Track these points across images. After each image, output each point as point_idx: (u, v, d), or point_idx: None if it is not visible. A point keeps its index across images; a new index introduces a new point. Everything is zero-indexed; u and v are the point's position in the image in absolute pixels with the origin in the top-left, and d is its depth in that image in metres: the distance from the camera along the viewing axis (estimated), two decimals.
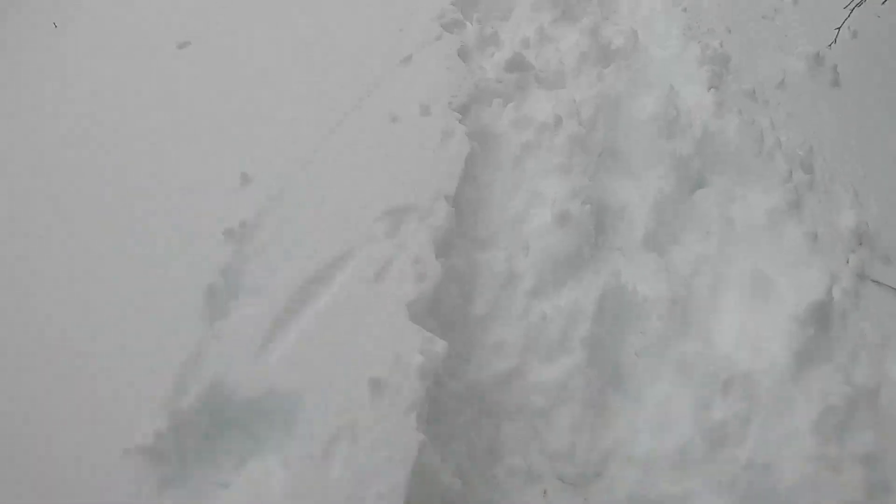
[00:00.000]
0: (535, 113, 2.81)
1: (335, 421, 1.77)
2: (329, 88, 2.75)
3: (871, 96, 3.72)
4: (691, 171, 2.87)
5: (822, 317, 2.32)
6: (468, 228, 2.40)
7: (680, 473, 2.00)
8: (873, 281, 2.64)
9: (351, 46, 2.99)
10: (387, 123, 2.58)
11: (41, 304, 2.15)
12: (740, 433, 2.04)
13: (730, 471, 1.98)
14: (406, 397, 1.78)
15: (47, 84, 3.10)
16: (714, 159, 2.91)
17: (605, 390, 2.16)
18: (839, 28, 3.64)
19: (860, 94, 3.69)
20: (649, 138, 2.93)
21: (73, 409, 1.87)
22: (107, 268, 2.21)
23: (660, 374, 2.23)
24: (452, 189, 2.35)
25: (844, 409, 2.05)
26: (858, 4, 3.54)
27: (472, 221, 2.44)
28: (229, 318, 2.06)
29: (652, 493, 1.98)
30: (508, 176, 2.61)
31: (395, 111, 2.63)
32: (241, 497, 1.71)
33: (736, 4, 3.99)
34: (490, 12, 3.55)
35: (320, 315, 2.04)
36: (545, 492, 1.97)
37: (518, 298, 2.27)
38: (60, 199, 2.49)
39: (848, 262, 2.66)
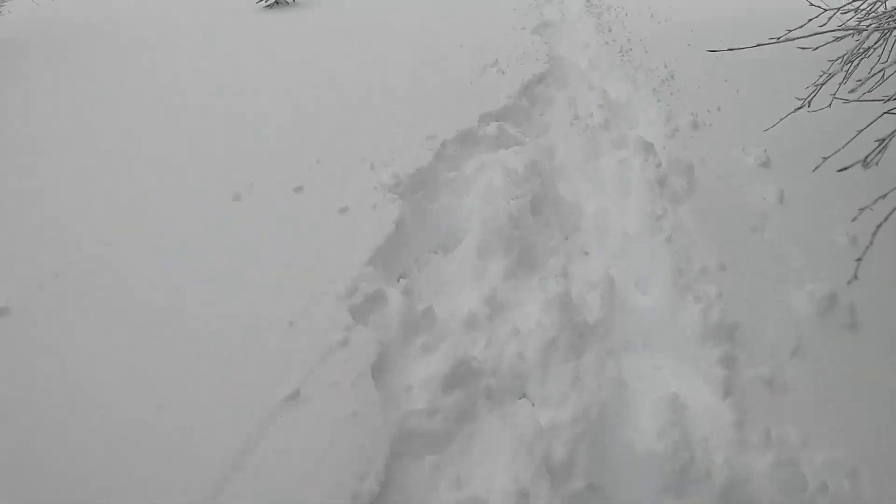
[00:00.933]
0: (486, 490, 1.87)
1: None
2: (181, 470, 1.73)
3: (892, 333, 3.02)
4: None
5: None
6: None
7: None
8: None
9: (216, 384, 1.98)
10: None
11: None
12: None
13: None
14: None
15: None
16: None
17: None
18: (859, 259, 2.93)
19: (882, 335, 2.98)
20: (653, 489, 2.04)
21: None
22: None
23: None
24: None
25: None
26: (877, 231, 2.86)
27: None
28: None
29: None
30: None
31: None
32: None
33: (720, 220, 3.29)
34: (422, 256, 2.65)
35: None
36: None
37: None
38: None
39: None
